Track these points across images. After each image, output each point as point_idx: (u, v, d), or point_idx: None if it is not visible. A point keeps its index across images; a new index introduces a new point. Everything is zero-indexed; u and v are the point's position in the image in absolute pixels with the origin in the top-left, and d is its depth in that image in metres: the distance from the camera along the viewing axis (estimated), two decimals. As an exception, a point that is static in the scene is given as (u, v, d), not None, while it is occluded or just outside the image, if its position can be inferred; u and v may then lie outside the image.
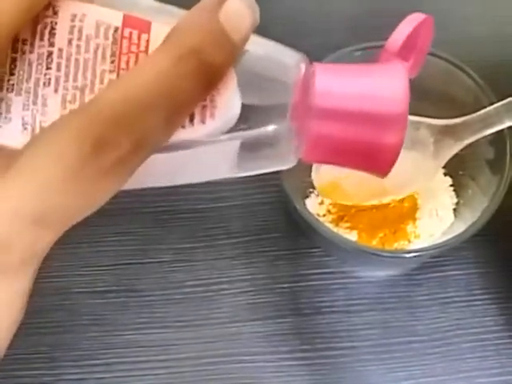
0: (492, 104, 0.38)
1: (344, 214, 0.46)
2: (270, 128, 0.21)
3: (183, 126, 0.20)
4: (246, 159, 0.22)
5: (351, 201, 0.43)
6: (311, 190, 0.47)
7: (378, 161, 0.23)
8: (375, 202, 0.44)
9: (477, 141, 0.38)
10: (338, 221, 0.46)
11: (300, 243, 0.48)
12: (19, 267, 0.19)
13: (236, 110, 0.21)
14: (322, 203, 0.47)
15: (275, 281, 0.47)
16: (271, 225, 0.49)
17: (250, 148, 0.22)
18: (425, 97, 0.39)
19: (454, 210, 0.46)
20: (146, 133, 0.18)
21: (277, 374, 0.45)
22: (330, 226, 0.45)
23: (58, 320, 0.47)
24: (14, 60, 0.20)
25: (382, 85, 0.22)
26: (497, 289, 0.47)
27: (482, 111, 0.37)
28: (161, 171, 0.22)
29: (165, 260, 0.48)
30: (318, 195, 0.47)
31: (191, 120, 0.20)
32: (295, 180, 0.41)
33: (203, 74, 0.19)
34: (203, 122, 0.20)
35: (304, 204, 0.43)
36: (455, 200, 0.46)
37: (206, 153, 0.21)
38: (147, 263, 0.48)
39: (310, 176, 0.42)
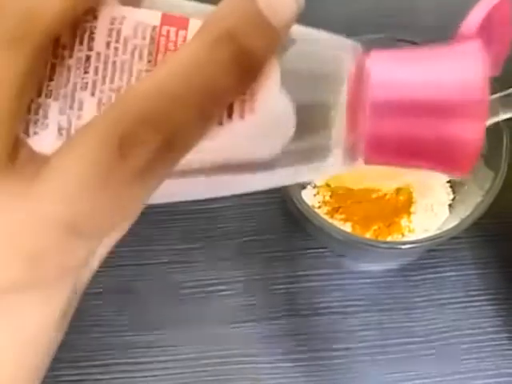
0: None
1: (339, 205, 0.46)
2: (322, 129, 0.19)
3: (221, 123, 0.18)
4: (295, 163, 0.20)
5: (351, 183, 0.43)
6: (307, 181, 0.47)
7: (454, 158, 0.19)
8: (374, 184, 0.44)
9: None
10: (332, 212, 0.46)
11: (296, 244, 0.48)
12: (57, 281, 0.18)
13: (280, 107, 0.19)
14: (317, 195, 0.47)
15: (271, 282, 0.47)
16: (267, 226, 0.48)
17: (298, 151, 0.20)
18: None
19: (450, 205, 0.46)
20: (178, 128, 0.16)
21: (273, 375, 0.45)
22: (326, 217, 0.45)
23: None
24: (53, 66, 0.19)
25: (454, 69, 0.19)
26: (493, 290, 0.46)
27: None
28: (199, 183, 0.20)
29: (162, 261, 0.48)
30: (313, 187, 0.47)
31: (229, 115, 0.19)
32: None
33: (241, 62, 0.17)
34: (242, 116, 0.19)
35: (300, 195, 0.43)
36: (451, 196, 0.46)
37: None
38: (144, 264, 0.48)
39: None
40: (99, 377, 0.46)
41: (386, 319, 0.46)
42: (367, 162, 0.20)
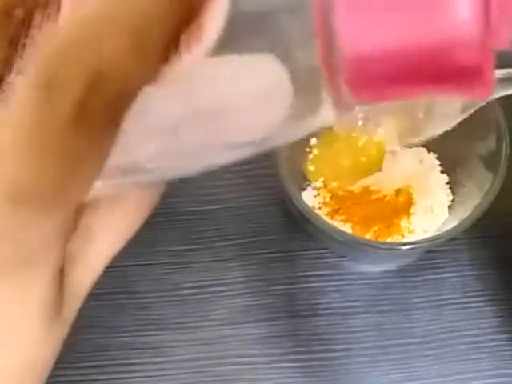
0: (491, 102, 0.37)
1: (339, 207, 0.46)
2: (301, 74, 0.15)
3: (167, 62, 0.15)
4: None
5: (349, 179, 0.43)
6: (307, 183, 0.47)
7: (468, 70, 0.14)
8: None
9: (473, 137, 0.38)
10: (333, 213, 0.46)
11: (295, 245, 0.48)
12: (22, 266, 0.15)
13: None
14: (317, 196, 0.47)
15: (270, 283, 0.47)
16: (266, 227, 0.49)
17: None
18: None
19: (449, 207, 0.46)
20: (108, 62, 0.13)
21: (272, 376, 0.45)
22: (326, 218, 0.45)
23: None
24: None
25: None
26: (492, 291, 0.47)
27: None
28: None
29: (161, 262, 0.48)
30: (313, 188, 0.47)
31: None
32: (292, 173, 0.41)
33: None
34: (189, 50, 0.15)
35: (300, 197, 0.43)
36: (451, 197, 0.46)
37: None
38: (143, 265, 0.48)
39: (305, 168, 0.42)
40: (97, 377, 0.46)
41: (385, 320, 0.46)
42: (359, 98, 0.15)
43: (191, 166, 0.19)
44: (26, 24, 0.17)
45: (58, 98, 0.13)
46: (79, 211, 0.20)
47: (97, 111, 0.14)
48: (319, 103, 0.16)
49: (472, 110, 0.34)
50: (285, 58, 0.15)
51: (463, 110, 0.34)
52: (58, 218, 0.15)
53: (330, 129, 0.42)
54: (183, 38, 0.15)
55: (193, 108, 0.16)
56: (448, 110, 0.35)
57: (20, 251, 0.15)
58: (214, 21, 0.15)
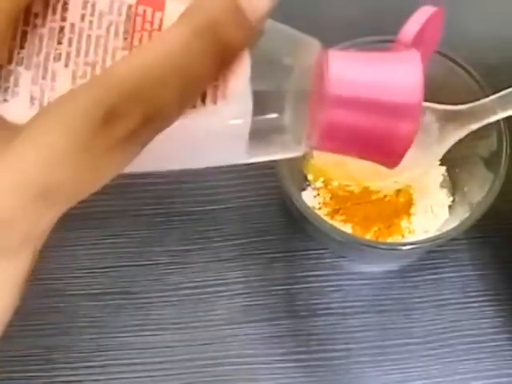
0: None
1: (339, 207, 0.46)
2: (283, 115, 0.21)
3: (194, 106, 0.20)
4: (257, 145, 0.22)
5: (352, 181, 0.43)
6: (307, 183, 0.47)
7: (389, 151, 0.23)
8: (375, 184, 0.44)
9: (474, 138, 0.38)
10: (333, 214, 0.46)
11: (295, 245, 0.48)
12: (20, 246, 0.18)
13: (249, 95, 0.20)
14: (317, 196, 0.47)
15: (271, 283, 0.47)
16: (266, 227, 0.48)
17: (261, 134, 0.21)
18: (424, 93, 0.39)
19: (449, 207, 0.46)
20: (158, 106, 0.18)
21: (272, 376, 0.45)
22: (326, 218, 0.45)
23: (54, 322, 0.47)
24: (24, 33, 0.19)
25: (397, 74, 0.22)
26: (492, 291, 0.47)
27: (488, 98, 0.37)
28: (168, 154, 0.21)
29: (160, 262, 0.48)
30: (313, 188, 0.47)
31: (203, 100, 0.20)
32: (292, 173, 0.41)
33: (218, 52, 0.19)
34: (214, 102, 0.20)
35: (300, 197, 0.43)
36: (451, 197, 0.46)
37: (216, 137, 0.21)
38: (143, 265, 0.48)
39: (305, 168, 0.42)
40: (96, 378, 0.46)
41: (385, 320, 0.46)
42: (317, 147, 0.23)
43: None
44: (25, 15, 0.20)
45: (114, 127, 0.17)
46: None
47: (136, 142, 0.18)
48: (283, 139, 0.22)
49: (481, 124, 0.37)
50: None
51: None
52: (58, 215, 0.18)
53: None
54: (209, 91, 0.20)
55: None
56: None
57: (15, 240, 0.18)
58: (238, 83, 0.20)
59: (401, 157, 0.23)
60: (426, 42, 0.29)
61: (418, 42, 0.28)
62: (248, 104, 0.20)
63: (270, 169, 0.43)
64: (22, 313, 0.48)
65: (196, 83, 0.19)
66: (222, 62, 0.19)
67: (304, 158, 0.45)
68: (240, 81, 0.20)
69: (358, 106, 0.22)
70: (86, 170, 0.18)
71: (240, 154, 0.22)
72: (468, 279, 0.47)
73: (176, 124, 0.19)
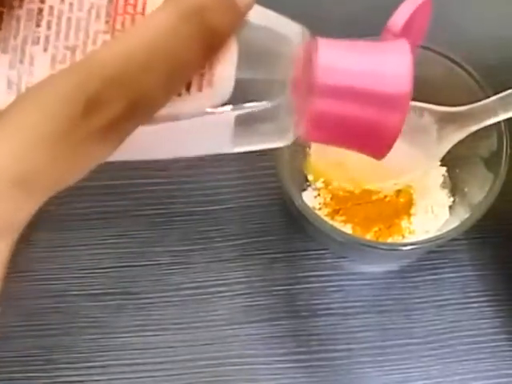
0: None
1: (339, 207, 0.46)
2: (269, 103, 0.20)
3: (179, 94, 0.19)
4: (242, 134, 0.21)
5: (352, 183, 0.43)
6: (308, 183, 0.47)
7: (376, 142, 0.22)
8: (375, 186, 0.44)
9: (474, 138, 0.38)
10: (333, 214, 0.46)
11: (296, 246, 0.48)
12: None
13: (232, 82, 0.20)
14: (318, 196, 0.47)
15: (271, 283, 0.47)
16: (267, 227, 0.48)
17: (246, 122, 0.21)
18: (423, 93, 0.39)
19: (450, 207, 0.46)
20: (143, 94, 0.17)
21: (273, 377, 0.45)
22: (326, 219, 0.45)
23: (55, 322, 0.47)
24: (0, 14, 0.19)
25: (386, 63, 0.22)
26: (492, 291, 0.47)
27: (489, 100, 0.37)
28: (152, 143, 0.21)
29: (161, 262, 0.48)
30: (314, 189, 0.47)
31: (188, 88, 0.19)
32: (292, 174, 0.42)
33: (205, 37, 0.18)
34: (200, 89, 0.19)
35: (301, 197, 0.43)
36: (451, 198, 0.46)
37: (200, 125, 0.21)
38: (144, 266, 0.48)
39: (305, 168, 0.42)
40: (97, 378, 0.46)
41: (385, 320, 0.46)
42: (304, 136, 0.23)
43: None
44: None
45: (96, 115, 0.17)
46: None
47: (120, 130, 0.18)
48: (271, 129, 0.22)
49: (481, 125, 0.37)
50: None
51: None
52: (38, 204, 0.18)
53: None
54: (195, 79, 0.19)
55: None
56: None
57: None
58: (224, 70, 0.19)
59: (389, 148, 0.23)
60: (413, 32, 0.29)
61: (406, 31, 0.28)
62: (232, 92, 0.20)
63: (271, 169, 0.43)
64: (23, 313, 0.48)
65: (182, 69, 0.18)
66: (209, 47, 0.18)
67: (304, 159, 0.45)
68: (226, 68, 0.19)
69: (347, 95, 0.21)
70: (65, 159, 0.17)
71: (225, 142, 0.22)
72: (468, 279, 0.47)
73: (160, 112, 0.19)
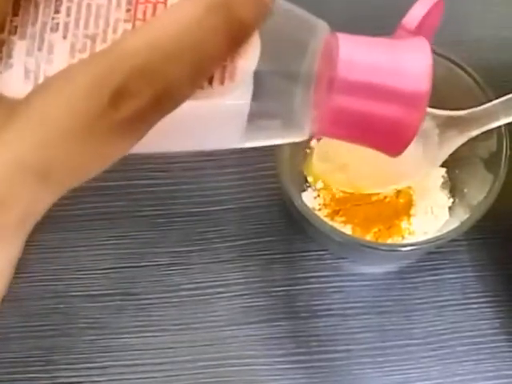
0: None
1: (339, 208, 0.46)
2: (287, 98, 0.20)
3: (202, 87, 0.19)
4: (257, 129, 0.21)
5: (352, 188, 0.43)
6: (308, 184, 0.47)
7: (394, 139, 0.22)
8: (375, 191, 0.44)
9: (474, 139, 0.38)
10: (333, 215, 0.46)
11: (295, 246, 0.48)
12: (16, 228, 0.17)
13: (251, 74, 0.19)
14: (317, 197, 0.47)
15: (271, 284, 0.47)
16: (266, 228, 0.48)
17: (263, 116, 0.21)
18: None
19: (450, 208, 0.46)
20: (168, 85, 0.17)
21: (272, 378, 0.45)
22: (326, 219, 0.45)
23: (55, 323, 0.47)
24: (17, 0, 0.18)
25: (407, 61, 0.21)
26: (492, 292, 0.47)
27: (489, 104, 0.37)
28: (169, 135, 0.20)
29: (161, 263, 0.48)
30: (314, 190, 0.47)
31: (210, 82, 0.19)
32: (292, 174, 0.42)
33: (231, 30, 0.18)
34: (222, 83, 0.19)
35: (301, 198, 0.43)
36: (451, 199, 0.46)
37: (218, 118, 0.20)
38: (143, 266, 0.48)
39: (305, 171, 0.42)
40: (97, 379, 0.46)
41: (385, 321, 0.46)
42: (321, 132, 0.22)
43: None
44: None
45: (121, 107, 0.16)
46: None
47: (144, 122, 0.17)
48: (289, 122, 0.21)
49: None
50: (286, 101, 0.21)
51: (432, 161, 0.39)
52: (57, 196, 0.17)
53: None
54: (217, 72, 0.19)
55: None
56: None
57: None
58: (247, 64, 0.19)
59: (405, 145, 0.22)
60: (425, 29, 0.29)
61: (419, 29, 0.28)
62: (250, 85, 0.20)
63: (271, 170, 0.43)
64: (23, 314, 0.48)
65: (207, 61, 0.18)
66: (234, 40, 0.18)
67: (304, 160, 0.45)
68: (249, 62, 0.19)
69: (366, 91, 0.21)
70: (88, 152, 0.17)
71: (239, 136, 0.21)
72: (467, 280, 0.47)
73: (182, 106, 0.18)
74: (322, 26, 0.21)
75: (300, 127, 0.22)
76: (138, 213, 0.49)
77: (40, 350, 0.46)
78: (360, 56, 0.21)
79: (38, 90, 0.17)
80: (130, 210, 0.49)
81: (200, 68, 0.18)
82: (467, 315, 0.46)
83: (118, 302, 0.47)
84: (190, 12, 0.17)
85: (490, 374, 0.45)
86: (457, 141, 0.38)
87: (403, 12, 0.29)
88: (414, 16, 0.28)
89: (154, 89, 0.17)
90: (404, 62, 0.21)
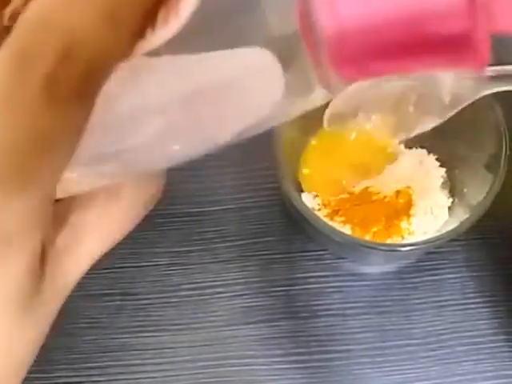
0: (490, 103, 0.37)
1: (339, 208, 0.46)
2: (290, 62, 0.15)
3: (143, 37, 0.15)
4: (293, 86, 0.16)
5: (343, 188, 0.43)
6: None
7: (462, 43, 0.14)
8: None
9: (473, 139, 0.38)
10: (332, 215, 0.46)
11: (295, 246, 0.48)
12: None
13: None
14: (317, 197, 0.47)
15: (270, 284, 0.47)
16: (266, 228, 0.49)
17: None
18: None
19: (449, 208, 0.46)
20: (80, 31, 0.13)
21: (272, 377, 0.45)
22: (325, 219, 0.45)
23: (54, 323, 0.47)
24: None
25: None
26: (491, 292, 0.47)
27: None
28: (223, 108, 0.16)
29: (160, 263, 0.48)
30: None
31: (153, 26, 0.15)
32: (292, 174, 0.42)
33: None
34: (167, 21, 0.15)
35: (300, 198, 0.43)
36: (451, 199, 0.46)
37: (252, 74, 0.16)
38: (143, 266, 0.48)
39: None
40: (96, 379, 0.46)
41: (385, 321, 0.46)
42: (344, 75, 0.15)
43: (177, 153, 0.18)
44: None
45: (29, 67, 0.13)
46: (65, 206, 0.19)
47: (69, 84, 0.14)
48: (310, 84, 0.16)
49: (462, 106, 0.34)
50: (267, 42, 0.15)
51: (452, 106, 0.34)
52: (29, 202, 0.15)
53: (327, 133, 0.42)
54: (161, 12, 0.15)
55: (186, 91, 0.16)
56: (437, 105, 0.34)
57: None
58: None
59: (480, 43, 0.15)
60: None
61: None
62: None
63: (270, 170, 0.43)
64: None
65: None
66: None
67: (304, 161, 0.45)
68: None
69: None
70: (15, 133, 0.14)
71: (278, 94, 0.16)
72: (466, 280, 0.47)
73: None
74: None
75: (309, 89, 0.16)
76: (138, 213, 0.49)
77: (40, 350, 0.46)
78: None
79: None
80: (130, 209, 0.49)
81: (119, 7, 0.14)
82: (466, 315, 0.46)
83: (118, 302, 0.47)
84: None
85: (489, 374, 0.45)
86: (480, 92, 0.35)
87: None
88: None
89: (56, 44, 0.14)
90: None
